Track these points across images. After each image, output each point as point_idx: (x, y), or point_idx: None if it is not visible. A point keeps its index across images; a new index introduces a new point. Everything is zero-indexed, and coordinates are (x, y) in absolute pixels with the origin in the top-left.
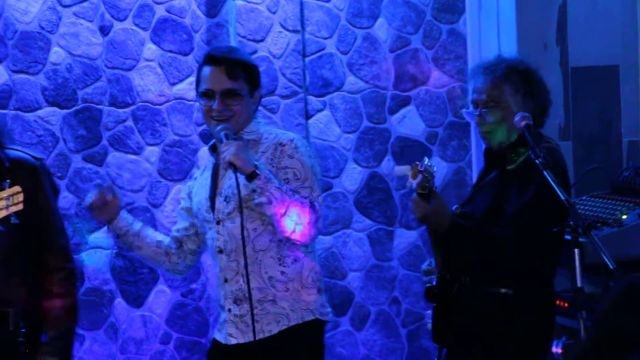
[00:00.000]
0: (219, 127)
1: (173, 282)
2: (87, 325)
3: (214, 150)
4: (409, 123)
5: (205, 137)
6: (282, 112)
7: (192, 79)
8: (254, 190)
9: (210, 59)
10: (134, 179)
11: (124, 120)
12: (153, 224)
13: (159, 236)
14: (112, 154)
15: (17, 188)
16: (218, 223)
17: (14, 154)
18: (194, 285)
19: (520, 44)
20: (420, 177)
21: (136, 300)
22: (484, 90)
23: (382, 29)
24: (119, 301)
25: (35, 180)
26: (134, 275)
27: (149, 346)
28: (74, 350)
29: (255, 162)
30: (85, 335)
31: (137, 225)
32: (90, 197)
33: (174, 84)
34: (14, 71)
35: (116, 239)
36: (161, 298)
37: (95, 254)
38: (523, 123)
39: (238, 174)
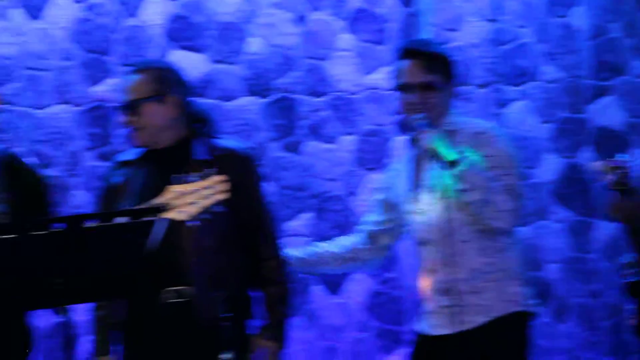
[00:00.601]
0: (416, 117)
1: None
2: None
3: (414, 142)
4: (608, 113)
5: (401, 126)
6: (477, 102)
7: (387, 68)
8: (455, 178)
9: (407, 53)
10: (329, 168)
11: (320, 110)
12: (347, 213)
13: (334, 247)
14: (308, 143)
15: (222, 177)
16: (421, 214)
17: (224, 143)
18: (390, 274)
19: None
20: (615, 173)
21: (333, 287)
22: None
23: (580, 18)
24: (316, 288)
25: (245, 170)
26: None
27: (348, 334)
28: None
29: (455, 150)
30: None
31: (309, 251)
32: None
33: (368, 74)
34: (214, 61)
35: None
36: (358, 286)
37: (293, 241)
38: None
39: (440, 164)
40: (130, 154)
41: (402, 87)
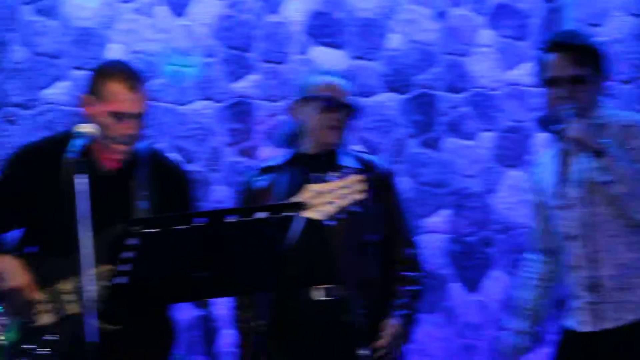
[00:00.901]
0: (564, 107)
1: (508, 267)
2: (423, 309)
3: (560, 134)
4: None
5: (541, 122)
6: (621, 98)
7: (527, 64)
8: (602, 169)
9: (555, 46)
10: (468, 165)
11: (459, 106)
12: (485, 210)
13: (531, 290)
14: (447, 140)
15: (357, 177)
16: (567, 209)
17: (367, 157)
18: None
19: None
20: None
21: (472, 285)
22: None
23: None
24: (454, 285)
25: (385, 183)
26: (470, 259)
27: (486, 332)
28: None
29: (603, 140)
30: (421, 318)
31: (527, 315)
32: None
33: (509, 70)
34: (353, 57)
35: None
36: (497, 283)
37: (431, 238)
38: None
39: (587, 157)
40: (274, 160)
41: (550, 81)
